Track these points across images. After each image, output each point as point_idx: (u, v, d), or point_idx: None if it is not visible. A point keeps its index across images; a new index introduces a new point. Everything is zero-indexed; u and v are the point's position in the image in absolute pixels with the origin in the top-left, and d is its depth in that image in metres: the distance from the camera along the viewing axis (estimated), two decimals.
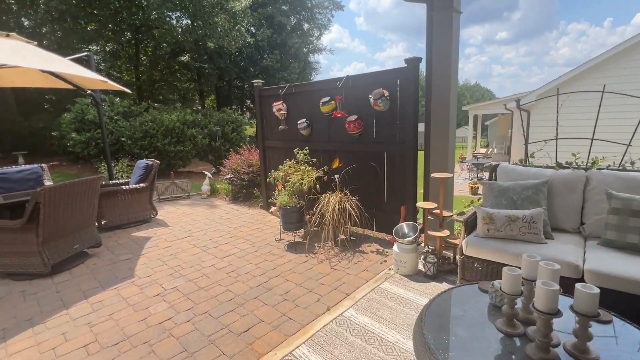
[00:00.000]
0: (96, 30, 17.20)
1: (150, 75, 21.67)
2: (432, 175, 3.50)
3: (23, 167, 5.54)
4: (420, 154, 3.79)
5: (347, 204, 3.86)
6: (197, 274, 3.49)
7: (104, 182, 5.48)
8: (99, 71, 19.99)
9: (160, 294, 3.09)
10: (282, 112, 5.20)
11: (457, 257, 2.93)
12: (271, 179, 4.67)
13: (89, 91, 5.66)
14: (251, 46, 22.73)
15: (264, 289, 3.13)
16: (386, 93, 3.89)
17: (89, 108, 11.27)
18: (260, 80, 5.73)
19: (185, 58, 21.32)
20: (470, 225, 2.91)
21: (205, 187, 6.97)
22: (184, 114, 11.91)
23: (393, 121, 3.98)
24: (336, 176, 4.20)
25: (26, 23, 16.92)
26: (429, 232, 3.42)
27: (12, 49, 3.57)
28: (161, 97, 22.91)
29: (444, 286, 3.02)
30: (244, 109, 27.44)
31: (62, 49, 14.92)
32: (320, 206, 3.88)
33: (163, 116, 11.22)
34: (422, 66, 3.78)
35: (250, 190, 6.38)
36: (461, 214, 3.90)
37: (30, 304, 3.02)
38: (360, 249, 3.96)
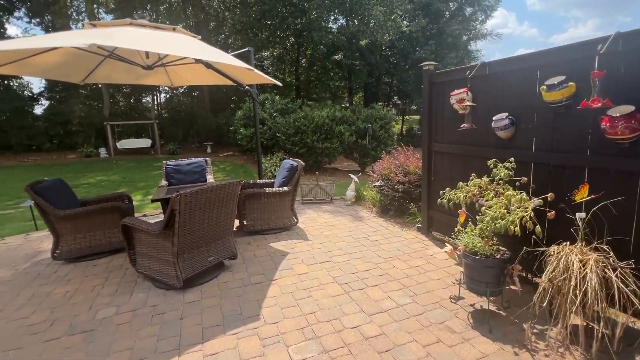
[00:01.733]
0: (267, 38, 18.89)
1: (307, 75, 22.80)
2: None
3: (192, 160, 5.71)
4: None
5: (610, 274, 1.95)
6: (335, 341, 2.33)
7: (251, 181, 5.08)
8: (267, 74, 22.28)
9: None
10: (465, 103, 3.53)
11: None
12: (444, 200, 3.12)
13: (247, 87, 5.35)
14: (403, 39, 20.96)
15: None
16: None
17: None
18: (431, 62, 4.17)
19: (338, 56, 21.44)
20: None
21: (351, 192, 5.94)
22: (333, 110, 11.40)
23: None
24: (580, 215, 2.29)
25: (220, 37, 20.12)
26: None
27: (179, 42, 3.21)
28: (315, 96, 23.86)
29: None
30: (390, 105, 25.98)
31: (242, 57, 16.99)
32: (551, 269, 2.10)
33: (314, 112, 10.98)
34: None
35: (405, 205, 4.95)
36: None
37: (152, 330, 2.49)
38: None
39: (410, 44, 21.44)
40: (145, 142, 16.11)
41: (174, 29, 3.63)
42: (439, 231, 4.12)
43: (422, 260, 3.58)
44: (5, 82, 17.38)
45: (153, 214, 5.79)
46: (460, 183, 3.11)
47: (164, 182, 5.22)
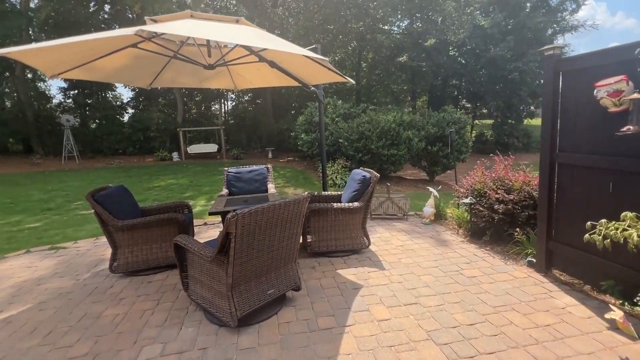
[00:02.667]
0: (329, 42, 18.51)
1: (369, 79, 21.96)
2: None
3: (253, 167, 5.29)
4: None
5: None
6: None
7: (315, 193, 4.45)
8: None
9: None
10: (621, 97, 2.45)
11: None
12: (595, 235, 2.10)
13: (312, 87, 4.77)
14: (476, 36, 19.00)
15: None
16: None
17: (316, 111, 11.66)
18: (557, 45, 3.10)
19: (403, 58, 20.24)
20: None
21: (429, 209, 4.98)
22: (401, 114, 10.41)
23: None
24: None
25: None
26: None
27: (244, 32, 2.71)
28: (375, 100, 22.91)
29: None
30: (459, 109, 23.85)
31: None
32: None
33: (379, 117, 10.11)
34: None
35: (506, 230, 3.88)
36: None
37: None
38: None
39: (483, 41, 19.38)
40: (212, 147, 16.72)
41: (237, 21, 3.15)
42: (567, 272, 3.02)
43: (551, 316, 2.54)
44: (102, 93, 19.54)
45: (214, 223, 5.49)
46: (628, 214, 2.06)
47: (224, 191, 4.85)
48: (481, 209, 4.02)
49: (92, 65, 3.45)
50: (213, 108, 23.25)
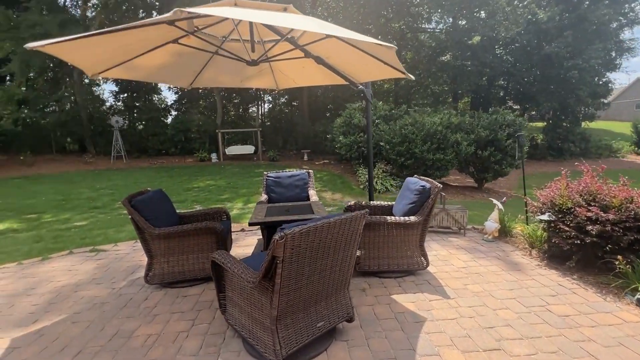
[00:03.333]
0: None
1: (408, 79, 21.08)
2: None
3: (294, 172, 4.93)
4: None
5: None
6: None
7: (363, 203, 3.97)
8: None
9: None
10: None
11: None
12: None
13: (360, 86, 4.30)
14: (528, 32, 17.49)
15: None
16: None
17: (355, 112, 11.16)
18: None
19: (445, 58, 19.16)
20: None
21: (492, 224, 4.30)
22: (449, 115, 9.63)
23: None
24: None
25: None
26: None
27: (294, 19, 2.32)
28: (414, 102, 21.94)
29: None
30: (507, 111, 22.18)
31: None
32: None
33: (424, 119, 9.41)
34: None
35: (600, 255, 3.16)
36: None
37: None
38: None
39: (537, 37, 17.80)
40: (249, 149, 16.79)
41: (284, 9, 2.77)
42: None
43: None
44: (148, 96, 20.45)
45: (252, 231, 5.19)
46: None
47: (263, 197, 4.52)
48: (565, 228, 3.32)
49: (132, 64, 3.24)
50: (250, 110, 23.53)
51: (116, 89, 19.92)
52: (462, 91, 21.41)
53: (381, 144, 9.43)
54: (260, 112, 22.81)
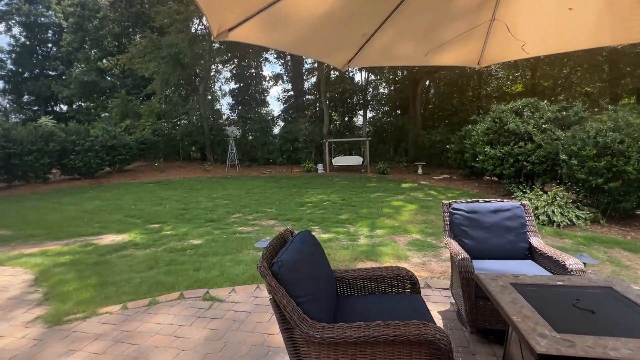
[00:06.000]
0: None
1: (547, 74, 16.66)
2: None
3: (498, 203, 2.93)
4: None
5: None
6: None
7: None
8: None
9: None
10: None
11: None
12: None
13: None
14: None
15: None
16: None
17: (508, 115, 8.48)
18: None
19: None
20: None
21: None
22: None
23: None
24: None
25: None
26: None
27: None
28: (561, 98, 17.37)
29: None
30: None
31: None
32: None
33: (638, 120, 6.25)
34: None
35: None
36: None
37: None
38: None
39: None
40: (357, 160, 15.37)
41: None
42: None
43: None
44: (257, 110, 21.21)
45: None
46: None
47: (453, 246, 2.67)
48: None
49: (276, 18, 1.82)
50: (355, 119, 22.31)
51: (232, 101, 21.20)
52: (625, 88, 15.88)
53: (562, 157, 6.62)
54: (366, 120, 21.31)
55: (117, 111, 17.66)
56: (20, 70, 26.29)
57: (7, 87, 27.35)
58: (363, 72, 19.70)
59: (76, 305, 3.00)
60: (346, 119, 21.25)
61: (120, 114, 17.61)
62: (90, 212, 7.73)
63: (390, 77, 19.70)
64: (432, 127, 17.84)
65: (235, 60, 21.06)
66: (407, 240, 5.33)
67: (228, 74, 22.69)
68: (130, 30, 19.88)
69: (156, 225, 6.49)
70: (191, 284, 3.55)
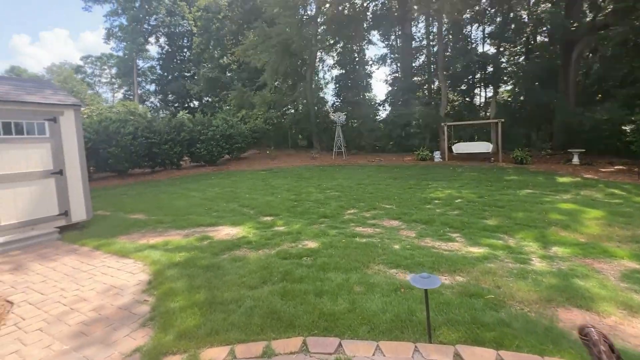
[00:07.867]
0: None
1: None
2: None
3: None
4: None
5: None
6: None
7: None
8: None
9: None
10: None
11: None
12: None
13: None
14: None
15: None
16: None
17: None
18: None
19: None
20: None
21: None
22: None
23: None
24: None
25: None
26: None
27: None
28: None
29: None
30: None
31: None
32: None
33: None
34: None
35: None
36: None
37: None
38: None
39: None
40: (485, 147, 12.62)
41: None
42: None
43: None
44: (361, 95, 19.87)
45: None
46: None
47: None
48: None
49: None
50: (475, 98, 18.80)
51: (336, 88, 20.41)
52: None
53: None
54: (494, 99, 17.65)
55: (234, 103, 18.90)
56: (165, 74, 31.54)
57: (157, 88, 33.27)
58: (488, 44, 16.13)
59: (178, 338, 2.31)
60: (466, 99, 18.03)
61: (237, 105, 18.79)
62: (210, 200, 7.81)
63: (532, 44, 15.59)
64: (593, 103, 13.42)
65: (338, 47, 20.12)
66: (617, 270, 3.38)
67: (331, 62, 22.03)
68: (245, 26, 20.97)
69: (269, 219, 5.95)
70: (314, 322, 2.53)
